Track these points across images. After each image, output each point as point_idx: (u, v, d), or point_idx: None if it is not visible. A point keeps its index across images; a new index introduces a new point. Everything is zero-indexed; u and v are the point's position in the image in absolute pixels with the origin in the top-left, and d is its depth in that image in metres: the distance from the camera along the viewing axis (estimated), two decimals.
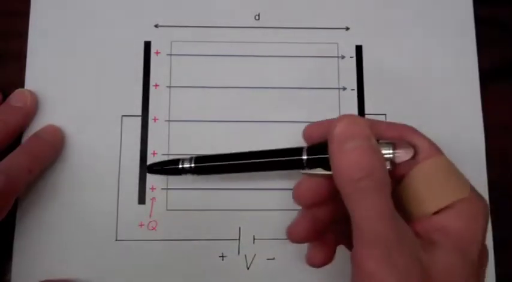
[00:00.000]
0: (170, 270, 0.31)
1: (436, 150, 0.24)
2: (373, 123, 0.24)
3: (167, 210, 0.32)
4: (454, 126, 0.34)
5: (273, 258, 0.32)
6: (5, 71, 0.34)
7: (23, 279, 0.31)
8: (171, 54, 0.34)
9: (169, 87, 0.34)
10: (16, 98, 0.32)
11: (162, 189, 0.32)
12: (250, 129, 0.33)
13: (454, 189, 0.23)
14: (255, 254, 0.32)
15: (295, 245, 0.31)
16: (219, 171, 0.29)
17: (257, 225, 0.32)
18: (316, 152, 0.25)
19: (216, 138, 0.33)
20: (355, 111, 0.34)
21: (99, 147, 0.32)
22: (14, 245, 0.31)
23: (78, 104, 0.33)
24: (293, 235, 0.27)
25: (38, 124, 0.32)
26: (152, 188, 0.32)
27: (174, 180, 0.32)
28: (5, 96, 0.32)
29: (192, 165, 0.29)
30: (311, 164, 0.25)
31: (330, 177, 0.24)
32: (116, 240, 0.32)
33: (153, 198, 0.32)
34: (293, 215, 0.32)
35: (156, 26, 0.34)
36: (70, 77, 0.33)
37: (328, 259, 0.28)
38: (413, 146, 0.24)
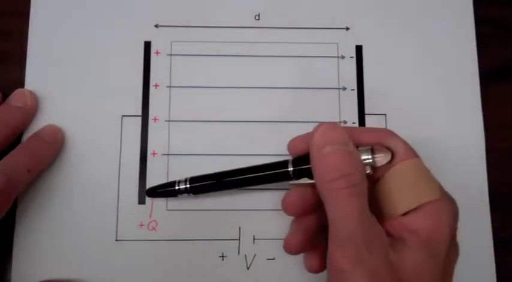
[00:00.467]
0: (170, 270, 0.31)
1: (410, 153, 0.25)
2: (351, 130, 0.26)
3: (167, 210, 0.32)
4: (454, 126, 0.34)
5: (273, 258, 0.32)
6: (5, 71, 0.34)
7: (23, 279, 0.31)
8: (171, 54, 0.34)
9: (169, 87, 0.34)
10: (16, 98, 0.32)
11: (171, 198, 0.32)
12: (250, 129, 0.33)
13: (424, 191, 0.24)
14: (255, 254, 0.32)
15: None
16: (213, 189, 0.30)
17: (257, 225, 0.32)
18: (300, 163, 0.27)
19: (216, 138, 0.33)
20: (355, 111, 0.34)
21: (99, 147, 0.32)
22: (14, 245, 0.31)
23: (78, 104, 0.33)
24: (289, 248, 0.29)
25: (38, 124, 0.32)
26: (159, 198, 0.32)
27: (175, 176, 0.32)
28: (5, 96, 0.32)
29: (188, 186, 0.30)
30: (297, 174, 0.27)
31: (314, 185, 0.25)
32: (116, 240, 0.32)
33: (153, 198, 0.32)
34: None
35: (156, 26, 0.34)
36: (70, 77, 0.33)
37: (325, 266, 0.28)
38: (391, 150, 0.25)
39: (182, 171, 0.32)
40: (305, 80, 0.34)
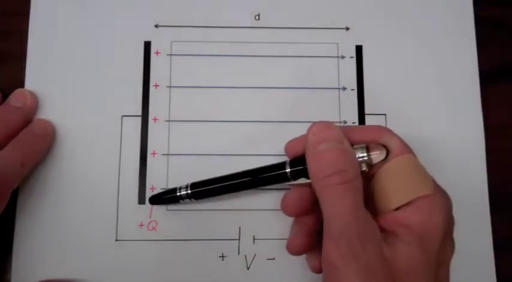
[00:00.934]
0: (170, 270, 0.31)
1: (405, 148, 0.26)
2: (346, 129, 0.26)
3: (167, 210, 0.32)
4: (454, 127, 0.34)
5: (273, 258, 0.32)
6: (5, 71, 0.34)
7: (23, 279, 0.31)
8: (171, 54, 0.34)
9: (169, 87, 0.34)
10: (16, 98, 0.32)
11: (162, 189, 0.32)
12: (250, 129, 0.33)
13: (416, 186, 0.25)
14: (255, 254, 0.32)
15: None
16: (214, 194, 0.31)
17: (257, 225, 0.32)
18: (297, 164, 0.27)
19: (216, 138, 0.33)
20: (355, 111, 0.34)
21: (99, 147, 0.32)
22: (13, 245, 0.31)
23: (78, 104, 0.33)
24: (293, 249, 0.29)
25: None
26: (152, 188, 0.32)
27: (175, 176, 0.32)
28: (5, 96, 0.32)
29: (189, 191, 0.30)
30: (294, 175, 0.27)
31: (311, 186, 0.25)
32: (116, 240, 0.32)
33: None
34: None
35: (156, 26, 0.34)
36: (70, 77, 0.33)
37: (307, 247, 0.29)
38: (386, 147, 0.25)
39: (182, 171, 0.32)
40: (305, 80, 0.34)
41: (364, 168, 0.25)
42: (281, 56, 0.34)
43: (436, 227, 0.24)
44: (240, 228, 0.32)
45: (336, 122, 0.34)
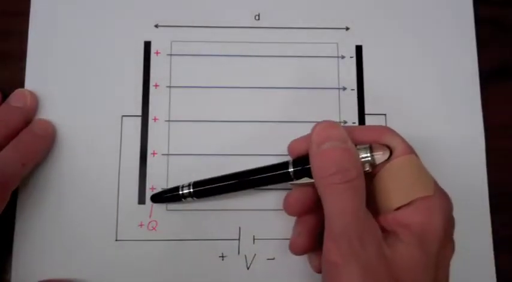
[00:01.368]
0: (170, 270, 0.31)
1: (407, 149, 0.26)
2: (350, 129, 0.26)
3: (167, 210, 0.32)
4: (454, 127, 0.34)
5: (273, 258, 0.32)
6: (5, 71, 0.34)
7: (23, 279, 0.31)
8: (171, 54, 0.34)
9: (169, 87, 0.34)
10: (16, 98, 0.32)
11: (162, 189, 0.32)
12: (250, 129, 0.33)
13: (417, 187, 0.25)
14: (255, 254, 0.32)
15: None
16: (216, 193, 0.31)
17: (257, 225, 0.32)
18: (300, 163, 0.27)
19: (216, 138, 0.33)
20: (355, 111, 0.34)
21: (99, 147, 0.32)
22: (13, 245, 0.31)
23: (78, 104, 0.33)
24: (296, 249, 0.29)
25: None
26: (152, 188, 0.32)
27: (175, 176, 0.32)
28: (5, 96, 0.32)
29: (191, 190, 0.30)
30: (297, 174, 0.27)
31: (314, 185, 0.25)
32: (116, 240, 0.32)
33: None
34: None
35: (156, 26, 0.34)
36: (70, 77, 0.33)
37: (309, 248, 0.29)
38: (389, 147, 0.26)
39: (182, 171, 0.32)
40: (305, 80, 0.34)
41: (367, 169, 0.25)
42: (281, 56, 0.34)
43: (435, 227, 0.24)
44: (240, 228, 0.32)
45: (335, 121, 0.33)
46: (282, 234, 0.32)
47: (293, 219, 0.30)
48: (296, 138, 0.29)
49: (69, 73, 0.33)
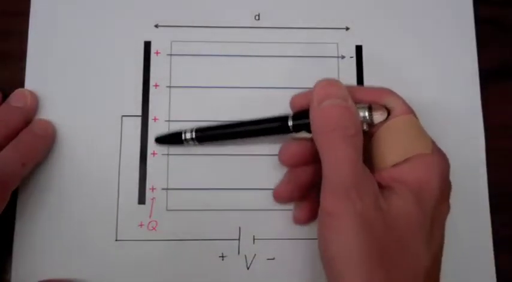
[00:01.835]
0: (170, 270, 0.31)
1: (406, 109, 0.26)
2: (351, 88, 0.27)
3: (167, 210, 0.32)
4: (454, 126, 0.34)
5: (273, 258, 0.32)
6: (5, 71, 0.34)
7: (23, 279, 0.31)
8: (171, 54, 0.34)
9: (169, 87, 0.34)
10: (16, 98, 0.32)
11: (162, 189, 0.32)
12: None
13: (414, 145, 0.25)
14: (255, 254, 0.32)
15: (295, 245, 0.32)
16: (217, 138, 0.31)
17: (257, 225, 0.32)
18: (300, 117, 0.28)
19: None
20: None
21: (99, 147, 0.32)
22: (13, 245, 0.31)
23: (78, 104, 0.33)
24: (278, 195, 0.30)
25: None
26: (152, 188, 0.32)
27: (175, 176, 0.32)
28: (5, 96, 0.32)
29: (193, 135, 0.31)
30: (296, 128, 0.28)
31: (312, 140, 0.26)
32: (116, 240, 0.32)
33: (153, 198, 0.32)
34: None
35: (156, 26, 0.34)
36: (70, 77, 0.33)
37: (312, 217, 0.30)
38: (387, 108, 0.26)
39: (182, 171, 0.32)
40: (305, 80, 0.34)
41: (364, 128, 0.26)
42: (281, 56, 0.34)
43: (432, 184, 0.25)
44: (240, 228, 0.32)
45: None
46: (282, 234, 0.32)
47: (293, 219, 0.31)
48: (298, 93, 0.29)
49: (69, 73, 0.33)
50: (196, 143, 0.31)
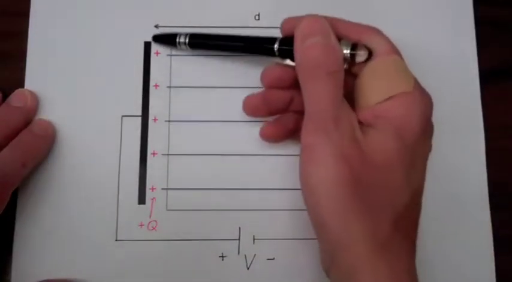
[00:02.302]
0: (170, 270, 0.31)
1: (391, 49, 0.26)
2: (337, 22, 0.27)
3: (167, 210, 0.32)
4: (454, 126, 0.34)
5: (273, 258, 0.32)
6: (5, 71, 0.34)
7: (23, 279, 0.31)
8: (171, 54, 0.34)
9: (169, 87, 0.34)
10: (16, 98, 0.32)
11: (162, 189, 0.32)
12: (250, 129, 0.33)
13: (397, 84, 0.25)
14: (255, 254, 0.32)
15: (295, 245, 0.32)
16: (207, 47, 0.33)
17: (257, 225, 0.32)
18: (286, 43, 0.28)
19: (217, 138, 0.33)
20: None
21: (99, 147, 0.32)
22: (14, 245, 0.31)
23: (78, 104, 0.33)
24: (247, 105, 0.31)
25: None
26: (152, 188, 0.32)
27: (175, 176, 0.32)
28: (5, 96, 0.32)
29: (187, 40, 0.32)
30: (281, 53, 0.28)
31: (293, 68, 0.26)
32: (116, 240, 0.32)
33: (153, 198, 0.32)
34: (294, 215, 0.32)
35: (156, 26, 0.34)
36: (70, 77, 0.33)
37: (277, 137, 0.31)
38: (369, 48, 0.26)
39: (182, 171, 0.32)
40: None
41: (345, 66, 0.26)
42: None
43: (412, 120, 0.25)
44: (240, 228, 0.32)
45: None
46: (282, 234, 0.32)
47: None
48: (290, 17, 0.29)
49: (69, 73, 0.33)
50: (188, 47, 0.32)
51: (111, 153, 0.32)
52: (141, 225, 0.32)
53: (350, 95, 0.26)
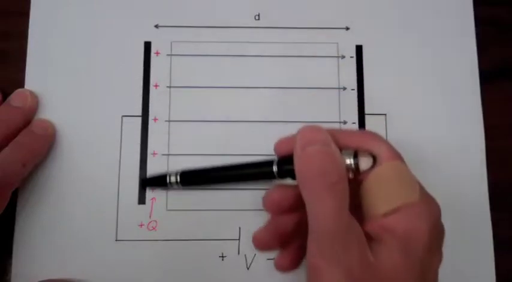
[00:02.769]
0: (170, 270, 0.31)
1: (393, 155, 0.25)
2: (336, 133, 0.26)
3: (167, 210, 0.32)
4: (454, 126, 0.34)
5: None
6: (5, 71, 0.34)
7: (23, 279, 0.31)
8: (171, 54, 0.34)
9: (169, 87, 0.34)
10: (16, 98, 0.32)
11: (162, 189, 0.32)
12: (250, 129, 0.33)
13: (403, 193, 0.25)
14: (255, 254, 0.32)
15: None
16: (200, 183, 0.32)
17: (257, 225, 0.32)
18: (285, 163, 0.27)
19: (216, 138, 0.33)
20: (355, 111, 0.34)
21: (99, 147, 0.32)
22: (14, 245, 0.31)
23: (78, 104, 0.33)
24: (257, 241, 0.29)
25: None
26: (152, 188, 0.32)
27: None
28: (5, 96, 0.32)
29: (178, 179, 0.31)
30: (281, 174, 0.27)
31: (297, 186, 0.25)
32: (116, 240, 0.32)
33: (153, 198, 0.32)
34: None
35: (156, 26, 0.34)
36: (70, 77, 0.33)
37: (294, 265, 0.29)
38: (373, 155, 0.25)
39: None
40: (305, 80, 0.34)
41: (350, 176, 0.25)
42: (281, 56, 0.34)
43: (419, 233, 0.24)
44: (240, 228, 0.32)
45: (336, 122, 0.34)
46: None
47: (275, 265, 0.30)
48: (282, 137, 0.28)
49: (69, 73, 0.33)
50: (181, 186, 0.31)
51: (111, 153, 0.32)
52: (141, 225, 0.32)
53: (356, 202, 0.25)
